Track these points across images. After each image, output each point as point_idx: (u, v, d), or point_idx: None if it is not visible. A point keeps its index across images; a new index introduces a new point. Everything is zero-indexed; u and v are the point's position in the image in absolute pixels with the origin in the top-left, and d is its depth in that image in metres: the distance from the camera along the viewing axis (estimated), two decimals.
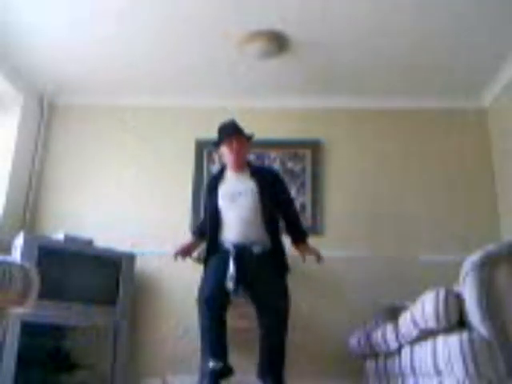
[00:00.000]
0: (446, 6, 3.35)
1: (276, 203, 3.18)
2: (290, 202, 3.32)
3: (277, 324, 2.88)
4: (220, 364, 2.76)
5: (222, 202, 3.13)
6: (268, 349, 2.88)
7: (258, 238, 3.03)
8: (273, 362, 2.87)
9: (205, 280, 3.02)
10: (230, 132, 3.23)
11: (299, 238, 3.26)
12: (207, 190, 3.35)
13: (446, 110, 4.46)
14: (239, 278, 2.88)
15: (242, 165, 3.25)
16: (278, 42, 3.72)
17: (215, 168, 4.24)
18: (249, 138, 3.30)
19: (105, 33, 3.73)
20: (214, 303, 2.86)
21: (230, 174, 3.26)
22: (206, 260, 3.14)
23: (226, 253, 2.99)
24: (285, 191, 3.32)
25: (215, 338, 2.83)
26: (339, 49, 3.85)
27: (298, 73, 4.18)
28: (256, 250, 3.00)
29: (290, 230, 3.27)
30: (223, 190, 3.17)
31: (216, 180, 3.28)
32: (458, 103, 4.46)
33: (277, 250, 3.08)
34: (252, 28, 3.64)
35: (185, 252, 3.35)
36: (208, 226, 3.19)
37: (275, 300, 2.90)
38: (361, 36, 3.69)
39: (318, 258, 3.23)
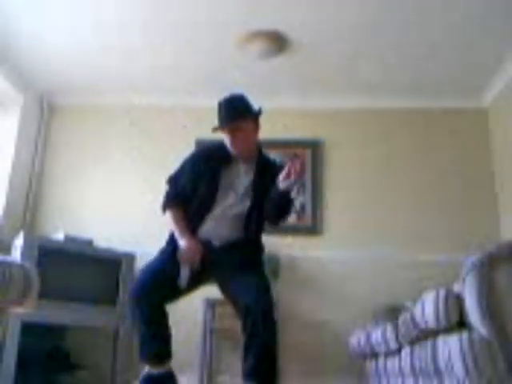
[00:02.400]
0: (445, 6, 3.35)
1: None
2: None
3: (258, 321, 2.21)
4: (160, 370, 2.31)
5: (220, 194, 2.47)
6: (248, 345, 2.25)
7: (229, 234, 2.45)
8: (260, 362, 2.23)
9: (150, 266, 2.41)
10: (230, 117, 2.42)
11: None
12: (204, 161, 2.53)
13: (446, 109, 4.46)
14: (194, 276, 2.37)
15: (251, 155, 2.53)
16: (278, 42, 3.72)
17: None
18: (256, 117, 2.51)
19: (104, 34, 3.73)
20: (149, 298, 2.29)
21: (236, 161, 2.52)
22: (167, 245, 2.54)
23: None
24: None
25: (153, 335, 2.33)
26: (339, 49, 3.85)
27: (298, 73, 4.18)
28: (216, 243, 2.42)
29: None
30: (226, 180, 2.48)
31: (220, 163, 2.51)
32: (458, 103, 4.46)
33: (246, 240, 2.46)
34: (252, 28, 3.64)
35: (193, 256, 2.37)
36: (193, 210, 2.50)
37: (247, 292, 2.27)
38: (361, 36, 3.69)
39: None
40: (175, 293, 2.39)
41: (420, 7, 3.37)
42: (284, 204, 2.44)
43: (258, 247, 2.55)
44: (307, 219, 4.22)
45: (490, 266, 1.70)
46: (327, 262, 4.11)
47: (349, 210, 4.25)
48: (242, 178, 2.50)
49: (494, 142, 4.29)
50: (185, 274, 2.34)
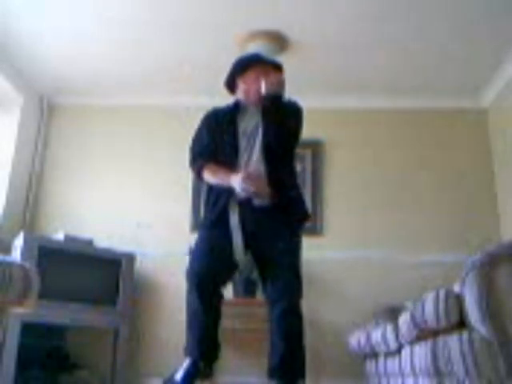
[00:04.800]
0: (445, 6, 3.35)
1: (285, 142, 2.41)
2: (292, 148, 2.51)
3: (289, 295, 2.23)
4: (200, 365, 2.21)
5: (242, 141, 2.39)
6: (278, 334, 2.23)
7: (261, 188, 2.30)
8: (288, 356, 2.19)
9: (197, 252, 2.35)
10: (265, 58, 2.56)
11: None
12: (215, 122, 2.49)
13: (446, 109, 4.46)
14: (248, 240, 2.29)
15: (261, 101, 2.45)
16: (278, 42, 3.72)
17: None
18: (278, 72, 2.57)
19: (104, 34, 3.73)
20: (207, 285, 2.25)
21: (249, 109, 2.49)
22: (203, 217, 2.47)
23: (223, 212, 2.31)
24: (295, 133, 2.47)
25: (203, 330, 2.24)
26: (339, 49, 3.85)
27: (298, 73, 4.18)
28: (257, 202, 2.31)
29: None
30: (243, 127, 2.42)
31: (233, 113, 2.48)
32: (458, 103, 4.46)
33: (285, 202, 2.35)
34: (252, 28, 3.64)
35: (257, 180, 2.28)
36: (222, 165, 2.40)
37: (284, 259, 2.27)
38: (360, 36, 3.69)
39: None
40: (231, 267, 2.33)
41: (420, 8, 3.37)
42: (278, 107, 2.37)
43: (298, 211, 2.42)
44: None
45: (490, 265, 1.70)
46: (327, 262, 4.11)
47: (349, 210, 4.25)
48: (256, 117, 2.44)
49: (494, 142, 4.29)
50: (237, 239, 2.25)
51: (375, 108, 4.50)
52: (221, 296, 2.34)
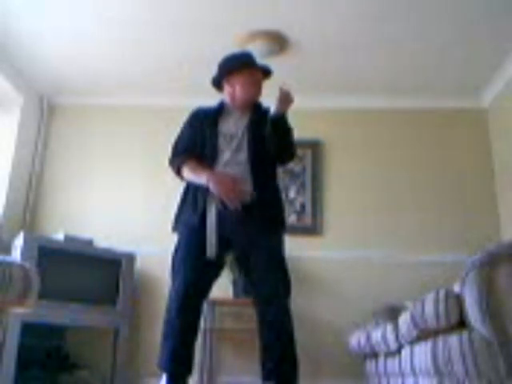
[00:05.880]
0: (445, 6, 3.35)
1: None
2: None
3: (275, 302, 2.25)
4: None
5: (221, 142, 2.40)
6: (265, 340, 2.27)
7: (232, 193, 2.28)
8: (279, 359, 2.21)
9: (177, 262, 2.34)
10: (253, 62, 2.46)
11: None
12: (198, 122, 2.51)
13: (446, 109, 4.46)
14: (220, 241, 2.28)
15: (250, 105, 2.49)
16: (278, 42, 3.72)
17: None
18: (267, 75, 2.53)
19: (104, 34, 3.73)
20: (187, 307, 2.24)
21: (232, 111, 2.50)
22: (177, 218, 2.49)
23: (204, 214, 2.31)
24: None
25: (179, 349, 2.20)
26: (339, 49, 3.85)
27: (298, 72, 4.18)
28: (232, 206, 2.29)
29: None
30: (225, 129, 2.43)
31: (216, 114, 2.49)
32: (458, 103, 4.46)
33: (266, 201, 2.36)
34: (252, 28, 3.64)
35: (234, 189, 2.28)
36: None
37: (269, 267, 2.28)
38: (360, 36, 3.69)
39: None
40: (209, 274, 2.32)
41: (420, 8, 3.37)
42: (282, 129, 2.37)
43: (277, 208, 2.43)
44: (307, 219, 4.21)
45: (490, 265, 1.70)
46: (327, 262, 4.11)
47: (349, 210, 4.25)
48: (240, 123, 2.45)
49: (494, 142, 4.29)
50: (211, 240, 2.26)
51: (375, 108, 4.50)
52: (200, 313, 2.31)
